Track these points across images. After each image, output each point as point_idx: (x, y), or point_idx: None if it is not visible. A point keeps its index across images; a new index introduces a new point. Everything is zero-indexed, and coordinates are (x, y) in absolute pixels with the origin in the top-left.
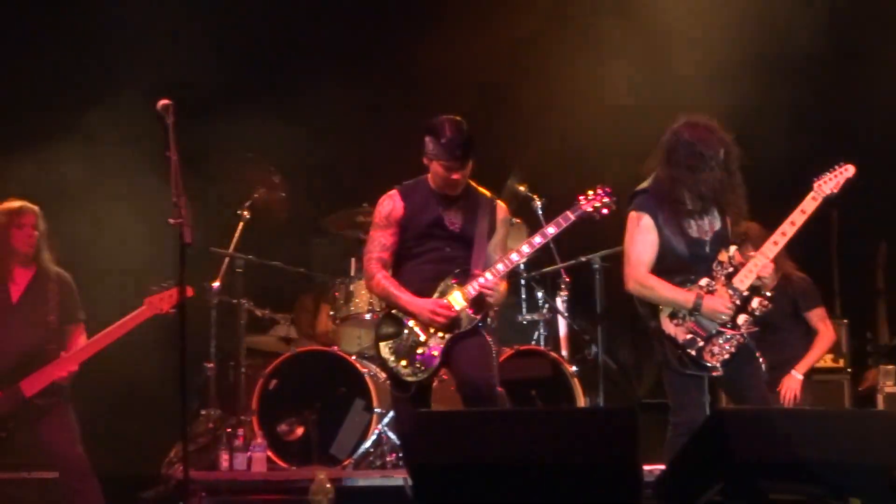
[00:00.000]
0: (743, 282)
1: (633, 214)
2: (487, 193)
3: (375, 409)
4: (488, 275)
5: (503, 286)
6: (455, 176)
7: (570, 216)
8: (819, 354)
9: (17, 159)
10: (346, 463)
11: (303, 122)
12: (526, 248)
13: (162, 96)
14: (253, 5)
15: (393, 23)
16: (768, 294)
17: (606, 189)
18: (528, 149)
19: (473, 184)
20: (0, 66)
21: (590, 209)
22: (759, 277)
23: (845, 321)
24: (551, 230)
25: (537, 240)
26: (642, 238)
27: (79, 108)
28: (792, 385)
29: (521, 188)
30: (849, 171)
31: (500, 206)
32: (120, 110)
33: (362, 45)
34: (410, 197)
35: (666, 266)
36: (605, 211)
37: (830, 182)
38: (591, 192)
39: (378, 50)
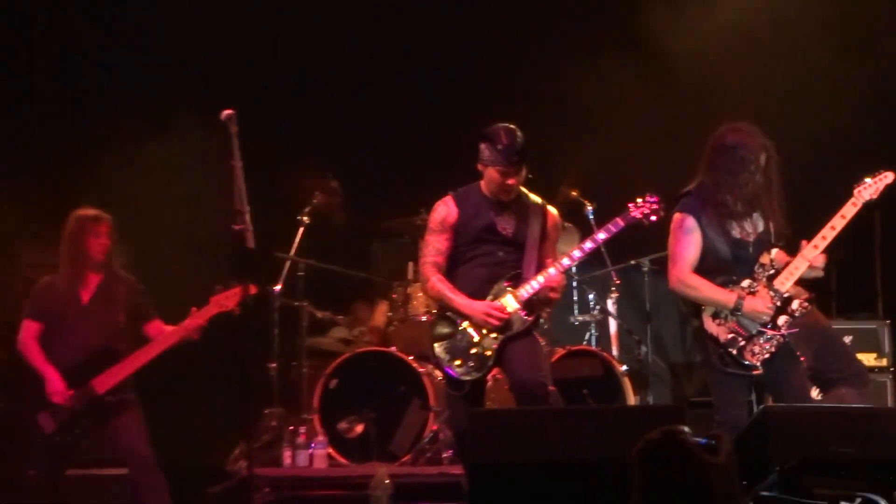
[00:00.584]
0: (784, 283)
1: (677, 216)
2: (539, 200)
3: (432, 408)
4: (540, 278)
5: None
6: (510, 181)
7: (621, 222)
8: None
9: (89, 167)
10: (404, 459)
11: (360, 130)
12: (577, 253)
13: (225, 105)
14: (306, 13)
15: (446, 33)
16: (809, 296)
17: (655, 197)
18: (580, 156)
19: (525, 190)
20: (73, 73)
21: (639, 216)
22: (811, 267)
23: (888, 322)
24: (602, 235)
25: (588, 245)
26: (686, 238)
27: (149, 118)
28: None
29: (574, 194)
30: (888, 177)
31: (551, 211)
32: (187, 117)
33: (416, 56)
34: (464, 202)
35: (708, 266)
36: (653, 218)
37: (870, 188)
38: (640, 200)
39: (436, 59)
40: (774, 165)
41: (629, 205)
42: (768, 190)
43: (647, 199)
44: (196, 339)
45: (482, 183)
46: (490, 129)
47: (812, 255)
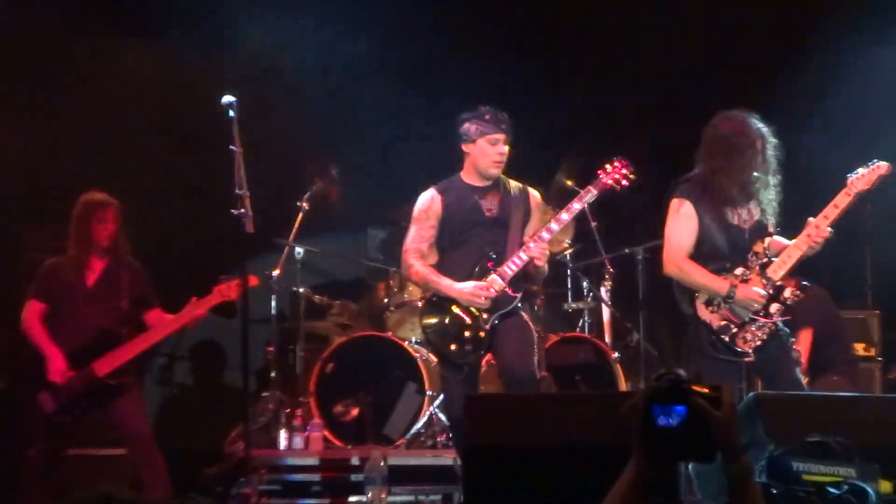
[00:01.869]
0: (777, 272)
1: (674, 201)
2: (519, 183)
3: (427, 392)
4: (522, 254)
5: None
6: (501, 149)
7: (593, 190)
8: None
9: (92, 150)
10: (398, 443)
11: (359, 121)
12: (554, 226)
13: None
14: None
15: (440, 27)
16: (804, 284)
17: (624, 161)
18: (575, 146)
19: (504, 176)
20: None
21: (610, 182)
22: (813, 245)
23: (877, 312)
24: (576, 206)
25: (563, 216)
26: (682, 224)
27: (149, 101)
28: None
29: (568, 182)
30: (882, 168)
31: (533, 192)
32: (188, 101)
33: (408, 53)
34: (447, 192)
35: (703, 253)
36: (624, 182)
37: (864, 179)
38: (608, 166)
39: (428, 55)
40: (770, 150)
41: (598, 172)
42: (765, 175)
43: (616, 164)
44: (194, 328)
45: (462, 172)
46: (470, 111)
47: (805, 245)
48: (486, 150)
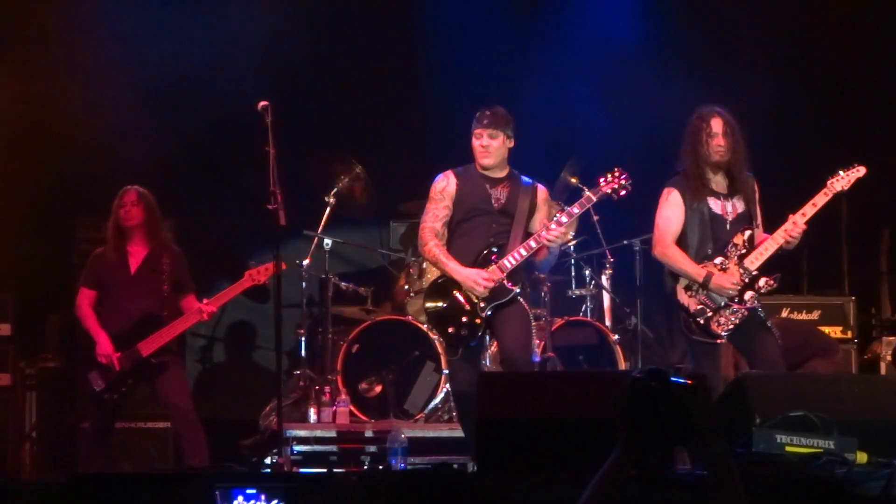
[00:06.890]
0: (753, 262)
1: (665, 190)
2: (529, 179)
3: (444, 371)
4: (522, 250)
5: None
6: (483, 142)
7: (592, 197)
8: None
9: (144, 149)
10: (417, 417)
11: (382, 121)
12: (554, 226)
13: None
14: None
15: (458, 32)
16: (776, 276)
17: (625, 173)
18: (581, 146)
19: (516, 171)
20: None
21: (608, 191)
22: (790, 239)
23: (853, 298)
24: (576, 210)
25: (563, 219)
26: (669, 211)
27: (192, 106)
28: None
29: (573, 180)
30: (860, 171)
31: (541, 188)
32: (227, 107)
33: (428, 57)
34: (462, 177)
35: (688, 241)
36: (622, 192)
37: (843, 180)
38: (609, 175)
39: (446, 58)
40: (731, 124)
41: (599, 179)
42: (736, 154)
43: (616, 173)
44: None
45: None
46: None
47: (782, 239)
48: (473, 143)
